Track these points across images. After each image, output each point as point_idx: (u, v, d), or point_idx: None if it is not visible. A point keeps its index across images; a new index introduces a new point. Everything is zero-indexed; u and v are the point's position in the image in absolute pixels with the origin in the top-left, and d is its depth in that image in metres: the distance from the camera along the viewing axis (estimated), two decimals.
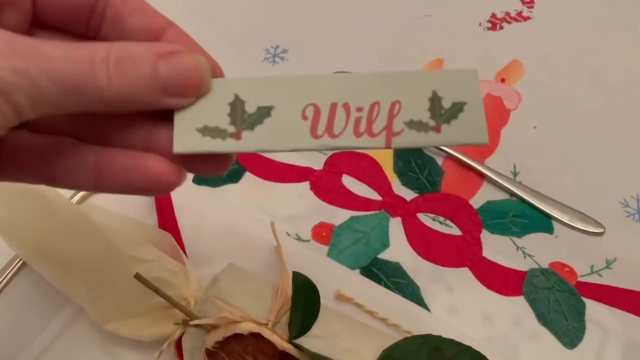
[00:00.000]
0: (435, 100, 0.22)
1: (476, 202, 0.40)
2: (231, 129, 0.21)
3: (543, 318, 0.35)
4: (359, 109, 0.22)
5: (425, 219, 0.39)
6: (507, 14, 0.51)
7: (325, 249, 0.37)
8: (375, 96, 0.22)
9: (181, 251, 0.33)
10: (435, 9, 0.52)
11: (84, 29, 0.21)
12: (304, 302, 0.27)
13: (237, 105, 0.22)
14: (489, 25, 0.50)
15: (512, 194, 0.40)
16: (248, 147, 0.22)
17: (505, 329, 0.34)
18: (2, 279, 0.34)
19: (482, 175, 0.41)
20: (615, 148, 0.43)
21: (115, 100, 0.19)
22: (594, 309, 0.35)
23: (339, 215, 0.39)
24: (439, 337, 0.27)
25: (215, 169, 0.22)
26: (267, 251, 0.36)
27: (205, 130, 0.21)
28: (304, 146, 0.22)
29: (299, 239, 0.38)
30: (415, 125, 0.22)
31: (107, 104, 0.19)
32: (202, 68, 0.20)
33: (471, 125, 0.22)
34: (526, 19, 0.51)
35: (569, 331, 0.34)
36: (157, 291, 0.28)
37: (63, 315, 0.33)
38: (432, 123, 0.22)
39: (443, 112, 0.22)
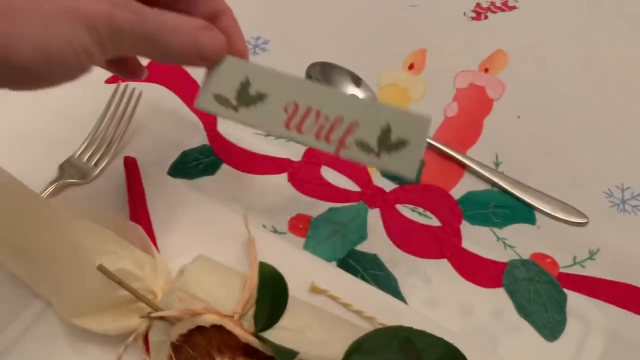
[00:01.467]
0: (385, 132, 0.28)
1: (457, 192, 0.39)
2: (234, 103, 0.29)
3: (523, 310, 0.34)
4: (327, 118, 0.28)
5: (404, 210, 0.38)
6: (492, 3, 0.51)
7: (301, 241, 0.37)
8: (342, 113, 0.28)
9: (151, 243, 0.33)
10: None
11: None
12: (271, 293, 0.27)
13: (244, 86, 0.29)
14: (474, 14, 0.50)
15: (494, 184, 0.39)
16: (238, 119, 0.29)
17: (484, 321, 0.34)
18: None
19: (464, 166, 0.40)
20: (599, 137, 0.42)
21: (170, 54, 0.26)
22: (575, 300, 0.35)
23: (317, 207, 0.38)
24: (410, 329, 0.27)
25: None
26: (242, 244, 0.35)
27: (218, 97, 0.29)
28: (275, 132, 0.29)
29: (275, 231, 0.37)
30: (362, 145, 0.28)
31: (163, 54, 0.27)
32: (224, 44, 0.28)
33: (407, 160, 0.28)
34: (512, 8, 0.50)
35: (550, 323, 0.33)
36: (120, 283, 0.28)
37: (31, 309, 0.33)
38: (375, 149, 0.28)
39: (388, 143, 0.28)
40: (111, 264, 0.29)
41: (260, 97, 0.29)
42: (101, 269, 0.28)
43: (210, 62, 0.28)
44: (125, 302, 0.29)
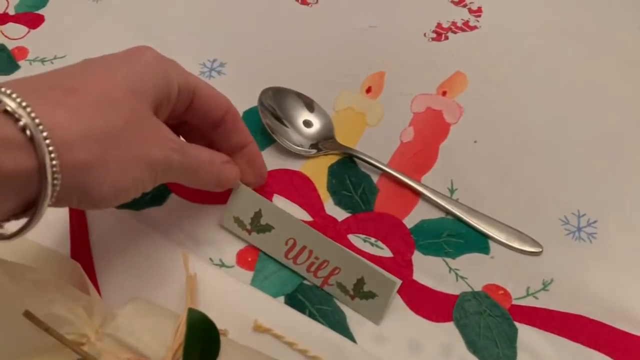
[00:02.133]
0: (360, 282, 0.34)
1: (410, 221, 0.39)
2: (248, 227, 0.36)
3: (473, 345, 0.33)
4: (317, 258, 0.35)
5: (356, 240, 0.38)
6: (454, 23, 0.50)
7: (250, 275, 0.36)
8: (329, 257, 0.34)
9: (89, 282, 0.32)
10: (380, 20, 0.50)
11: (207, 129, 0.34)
12: (200, 341, 0.26)
13: (257, 216, 0.36)
14: (434, 35, 0.49)
15: (448, 212, 0.39)
16: (250, 241, 0.36)
17: (433, 357, 0.33)
18: None
19: (418, 193, 0.39)
20: (557, 163, 0.42)
21: (198, 182, 0.33)
22: (526, 334, 0.34)
23: None
24: None
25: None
26: (184, 280, 0.34)
27: (236, 220, 0.36)
28: (277, 258, 0.36)
29: (222, 264, 0.36)
30: (341, 287, 0.34)
31: (193, 182, 0.33)
32: (238, 176, 0.35)
33: (373, 309, 0.34)
34: (472, 28, 0.50)
35: (500, 359, 0.33)
36: (47, 330, 0.27)
37: None
38: (351, 292, 0.34)
39: (360, 291, 0.34)
40: (42, 308, 0.28)
41: (268, 228, 0.35)
42: (27, 315, 0.26)
43: (223, 189, 0.34)
44: (56, 347, 0.28)
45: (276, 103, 0.42)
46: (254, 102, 0.43)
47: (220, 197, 0.39)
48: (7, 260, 0.29)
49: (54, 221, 0.37)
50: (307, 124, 0.42)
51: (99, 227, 0.36)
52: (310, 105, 0.42)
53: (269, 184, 0.40)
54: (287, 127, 0.41)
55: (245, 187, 0.36)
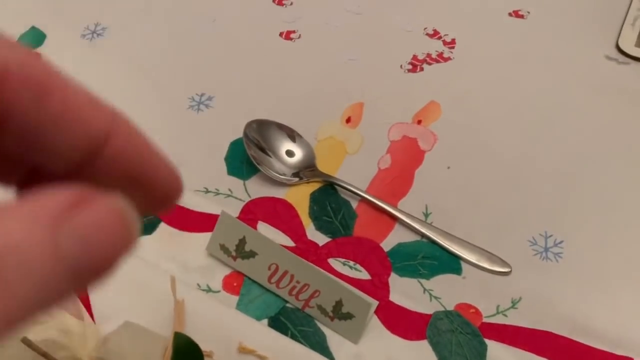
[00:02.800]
0: (338, 304, 0.36)
1: (387, 244, 0.41)
2: (233, 253, 0.38)
3: None
4: (298, 282, 0.37)
5: (336, 264, 0.40)
6: (429, 55, 0.53)
7: (235, 299, 0.38)
8: (309, 281, 0.36)
9: (82, 308, 0.34)
10: (359, 53, 0.53)
11: None
12: None
13: (242, 242, 0.38)
14: (410, 67, 0.52)
15: (423, 235, 0.41)
16: (235, 267, 0.38)
17: None
18: None
19: (395, 218, 0.42)
20: (525, 187, 0.44)
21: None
22: (496, 350, 0.36)
23: None
24: None
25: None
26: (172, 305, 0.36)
27: (222, 247, 0.38)
28: (260, 282, 0.38)
29: (209, 290, 0.38)
30: (321, 309, 0.36)
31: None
32: (127, 219, 0.13)
33: (352, 329, 0.36)
34: (446, 59, 0.53)
35: None
36: (45, 355, 0.29)
37: None
38: (330, 313, 0.36)
39: (339, 312, 0.36)
40: (38, 333, 0.30)
41: (252, 254, 0.37)
42: (25, 341, 0.29)
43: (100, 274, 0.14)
44: None
45: (260, 135, 0.44)
46: (240, 134, 0.46)
47: (209, 226, 0.41)
48: None
49: None
50: (290, 153, 0.44)
51: None
52: (292, 136, 0.45)
53: (254, 212, 0.42)
54: (270, 157, 0.44)
55: (230, 215, 0.38)
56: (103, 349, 0.30)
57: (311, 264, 0.37)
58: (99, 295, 0.36)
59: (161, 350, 0.30)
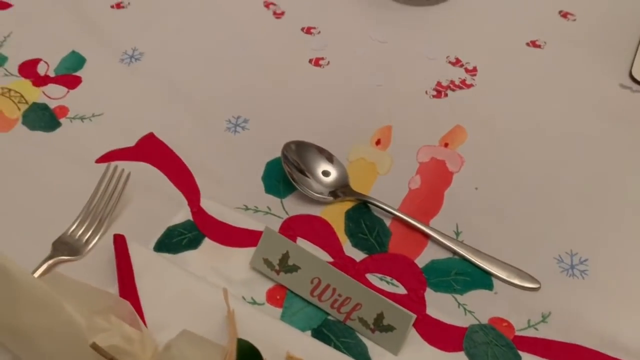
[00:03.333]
0: (379, 317, 0.37)
1: (421, 261, 0.43)
2: (276, 267, 0.40)
3: None
4: (340, 295, 0.38)
5: (373, 279, 0.42)
6: (452, 82, 0.56)
7: (278, 311, 0.40)
8: (351, 294, 0.38)
9: (139, 318, 0.35)
10: (386, 79, 0.56)
11: None
12: None
13: (285, 257, 0.39)
14: (435, 93, 0.55)
15: (455, 252, 0.43)
16: (279, 280, 0.40)
17: None
18: None
19: (427, 236, 0.44)
20: (550, 206, 0.46)
21: None
22: None
23: None
24: None
25: None
26: (223, 316, 0.38)
27: (266, 261, 0.40)
28: (303, 296, 0.40)
29: (254, 302, 0.40)
30: (362, 321, 0.38)
31: None
32: None
33: (392, 341, 0.37)
34: (469, 86, 0.55)
35: None
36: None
37: None
38: (371, 326, 0.38)
39: (380, 325, 0.37)
40: (103, 340, 0.31)
41: (295, 268, 0.39)
42: (94, 346, 0.30)
43: None
44: None
45: (298, 156, 0.46)
46: (275, 154, 0.48)
47: (250, 241, 0.43)
48: (70, 299, 0.33)
49: (101, 265, 0.41)
50: (326, 173, 0.46)
51: (143, 269, 0.40)
52: (329, 157, 0.47)
53: (292, 228, 0.44)
54: (308, 177, 0.46)
55: (274, 231, 0.40)
56: (167, 355, 0.31)
57: (352, 279, 0.38)
58: (151, 307, 0.38)
59: (219, 356, 0.31)
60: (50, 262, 0.41)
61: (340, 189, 0.46)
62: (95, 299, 0.35)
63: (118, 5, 0.63)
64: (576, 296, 0.41)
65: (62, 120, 0.52)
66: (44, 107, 0.53)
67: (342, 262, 0.42)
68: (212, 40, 0.59)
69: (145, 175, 0.47)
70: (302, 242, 0.43)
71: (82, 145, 0.49)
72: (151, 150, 0.49)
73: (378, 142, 0.50)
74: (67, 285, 0.36)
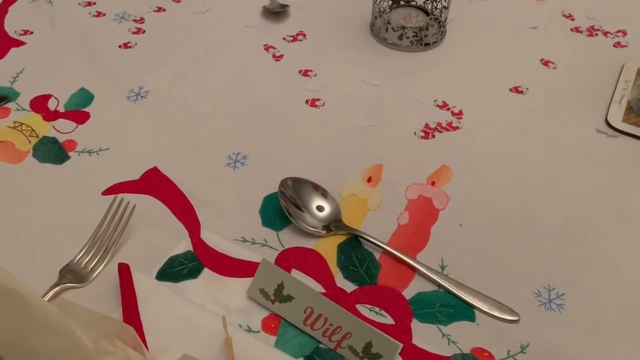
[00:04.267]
0: (368, 345, 0.40)
1: (408, 293, 0.45)
2: (272, 297, 0.42)
3: None
4: (331, 325, 0.41)
5: (363, 309, 0.44)
6: (439, 124, 0.59)
7: (273, 339, 0.42)
8: (342, 323, 0.41)
9: (142, 344, 0.38)
10: (377, 120, 0.59)
11: None
12: None
13: (280, 287, 0.42)
14: (423, 134, 0.58)
15: (440, 285, 0.46)
16: (273, 310, 0.42)
17: None
18: None
19: (414, 269, 0.47)
20: (529, 243, 0.49)
21: None
22: None
23: None
24: None
25: None
26: (221, 343, 0.40)
27: (262, 291, 0.42)
28: (296, 324, 0.42)
29: (249, 330, 0.42)
30: (352, 349, 0.40)
31: None
32: None
33: None
34: (455, 128, 0.59)
35: None
36: None
37: None
38: (360, 354, 0.40)
39: (369, 353, 0.40)
40: None
41: (289, 298, 0.42)
42: None
43: None
44: None
45: (294, 191, 0.49)
46: (272, 189, 0.51)
47: (247, 271, 0.45)
48: (79, 323, 0.35)
49: (105, 292, 0.43)
50: (320, 208, 0.49)
51: (146, 296, 0.42)
52: (323, 193, 0.50)
53: (287, 260, 0.47)
54: (303, 211, 0.49)
55: (270, 262, 0.43)
56: None
57: (343, 309, 0.41)
58: (153, 333, 0.40)
59: None
60: (57, 288, 0.43)
61: (333, 224, 0.49)
62: (101, 324, 0.38)
63: (125, 45, 0.67)
64: (553, 329, 0.44)
65: (70, 153, 0.55)
66: (53, 141, 0.56)
67: (333, 293, 0.45)
68: (214, 80, 0.63)
69: (148, 207, 0.50)
70: (296, 274, 0.46)
71: (89, 178, 0.52)
72: (155, 183, 0.52)
73: (369, 180, 0.54)
74: (73, 311, 0.38)
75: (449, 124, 0.59)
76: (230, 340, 0.38)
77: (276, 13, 0.72)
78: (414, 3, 0.72)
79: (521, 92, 0.63)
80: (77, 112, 0.59)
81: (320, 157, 0.55)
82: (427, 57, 0.67)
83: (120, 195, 0.48)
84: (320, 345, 0.42)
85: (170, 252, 0.47)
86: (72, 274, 0.44)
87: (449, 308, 0.44)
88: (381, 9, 0.67)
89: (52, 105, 0.59)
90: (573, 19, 0.74)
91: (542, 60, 0.67)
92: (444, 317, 0.44)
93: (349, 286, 0.46)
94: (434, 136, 0.58)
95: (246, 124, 0.58)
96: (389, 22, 0.66)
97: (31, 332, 0.34)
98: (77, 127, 0.57)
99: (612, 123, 0.59)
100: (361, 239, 0.48)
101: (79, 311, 0.38)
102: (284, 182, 0.50)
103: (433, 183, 0.53)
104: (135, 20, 0.71)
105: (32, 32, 0.69)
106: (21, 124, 0.57)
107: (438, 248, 0.48)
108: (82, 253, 0.45)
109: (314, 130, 0.58)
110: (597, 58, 0.68)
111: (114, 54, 0.66)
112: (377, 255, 0.48)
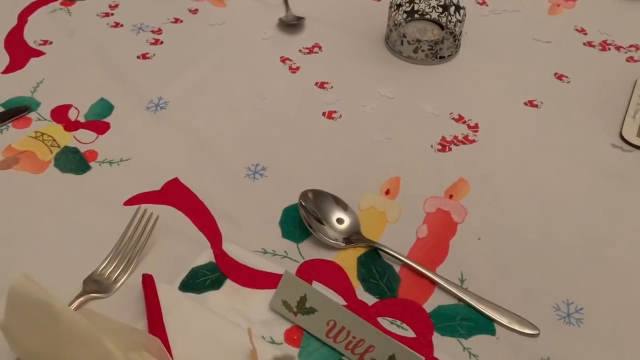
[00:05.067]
0: (391, 358, 0.39)
1: (429, 306, 0.46)
2: (294, 309, 0.42)
3: None
4: (354, 337, 0.41)
5: (384, 322, 0.44)
6: (455, 137, 0.60)
7: (296, 351, 0.42)
8: (365, 336, 0.40)
9: (168, 355, 0.38)
10: (394, 133, 0.60)
11: None
12: None
13: (303, 300, 0.42)
14: (439, 147, 0.59)
15: (460, 299, 0.46)
16: (296, 322, 0.43)
17: None
18: None
19: (434, 282, 0.47)
20: (548, 257, 0.50)
21: None
22: None
23: None
24: None
25: None
26: (244, 354, 0.40)
27: (285, 303, 0.43)
28: (319, 337, 0.42)
29: (272, 341, 0.43)
30: None
31: None
32: None
33: None
34: (471, 142, 0.59)
35: None
36: None
37: None
38: None
39: None
40: None
41: (312, 310, 0.42)
42: None
43: None
44: None
45: (315, 204, 0.50)
46: (292, 201, 0.51)
47: (268, 283, 0.46)
48: (105, 334, 0.35)
49: (128, 303, 0.44)
50: (340, 221, 0.50)
51: (170, 307, 0.43)
52: (344, 206, 0.50)
53: (308, 272, 0.47)
54: (323, 224, 0.49)
55: (293, 275, 0.43)
56: None
57: (366, 322, 0.41)
58: (177, 343, 0.41)
59: None
60: (82, 299, 0.43)
61: (353, 236, 0.49)
62: (128, 335, 0.38)
63: (144, 56, 0.68)
64: (572, 343, 0.44)
65: (91, 163, 0.55)
66: (74, 151, 0.56)
67: (355, 305, 0.45)
68: (231, 91, 0.64)
69: (170, 218, 0.50)
70: (317, 286, 0.46)
71: (111, 188, 0.53)
72: (176, 194, 0.52)
73: (387, 192, 0.54)
74: (100, 322, 0.38)
75: (465, 137, 0.60)
76: (256, 352, 0.38)
77: (292, 25, 0.73)
78: (428, 17, 0.73)
79: (536, 105, 0.64)
80: (98, 122, 0.59)
81: (338, 169, 0.56)
82: (442, 70, 0.68)
83: (143, 206, 0.49)
84: (343, 358, 0.42)
85: (193, 263, 0.47)
86: (96, 284, 0.45)
87: (470, 322, 0.45)
88: (396, 22, 0.68)
89: (72, 115, 0.60)
90: (585, 33, 0.74)
91: (555, 74, 0.68)
92: (465, 331, 0.44)
93: (369, 299, 0.46)
94: (450, 149, 0.58)
95: (264, 135, 0.59)
96: (404, 36, 0.67)
97: (62, 343, 0.35)
98: (97, 137, 0.58)
99: (626, 137, 0.60)
100: (380, 252, 0.49)
101: (104, 322, 0.38)
102: (304, 195, 0.50)
103: (451, 196, 0.54)
104: (152, 31, 0.72)
105: (51, 42, 0.69)
106: (42, 134, 0.58)
107: (457, 261, 0.49)
108: (105, 263, 0.46)
109: (331, 142, 0.59)
110: (610, 72, 0.68)
111: (132, 64, 0.67)
112: (397, 268, 0.48)
